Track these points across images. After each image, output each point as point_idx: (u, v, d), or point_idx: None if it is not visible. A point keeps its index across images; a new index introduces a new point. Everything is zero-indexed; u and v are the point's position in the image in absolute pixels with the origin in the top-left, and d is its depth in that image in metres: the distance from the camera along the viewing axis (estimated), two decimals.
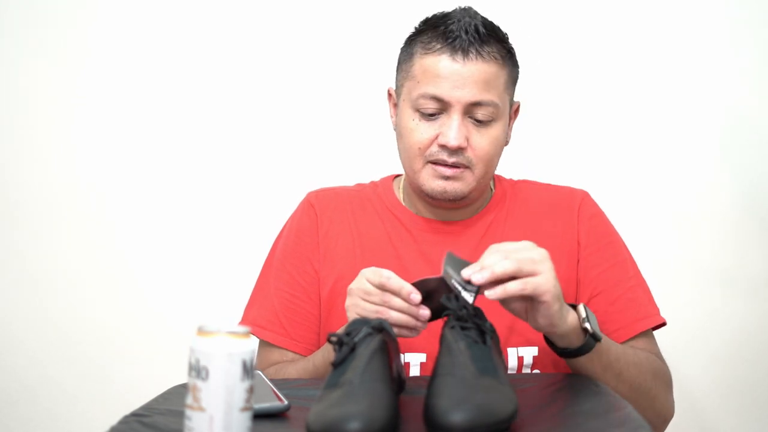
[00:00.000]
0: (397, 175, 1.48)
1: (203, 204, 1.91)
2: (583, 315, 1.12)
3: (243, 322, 1.37)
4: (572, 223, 1.36)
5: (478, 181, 1.30)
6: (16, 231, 1.90)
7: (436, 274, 1.05)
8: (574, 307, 1.14)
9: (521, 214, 1.38)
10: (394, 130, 1.38)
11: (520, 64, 1.34)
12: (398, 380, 0.98)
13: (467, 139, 1.27)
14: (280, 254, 1.40)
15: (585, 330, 1.11)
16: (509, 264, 1.02)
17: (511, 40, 1.32)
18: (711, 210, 1.89)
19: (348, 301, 1.11)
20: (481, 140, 1.28)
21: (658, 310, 1.34)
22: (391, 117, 1.40)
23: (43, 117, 1.90)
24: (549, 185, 1.44)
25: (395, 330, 1.04)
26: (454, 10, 1.31)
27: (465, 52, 1.25)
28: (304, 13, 1.90)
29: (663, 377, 1.29)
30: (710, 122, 1.89)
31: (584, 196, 1.41)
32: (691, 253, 1.89)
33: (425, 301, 1.05)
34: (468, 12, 1.30)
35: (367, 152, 1.86)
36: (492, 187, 1.42)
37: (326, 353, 1.21)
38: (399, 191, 1.43)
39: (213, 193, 1.91)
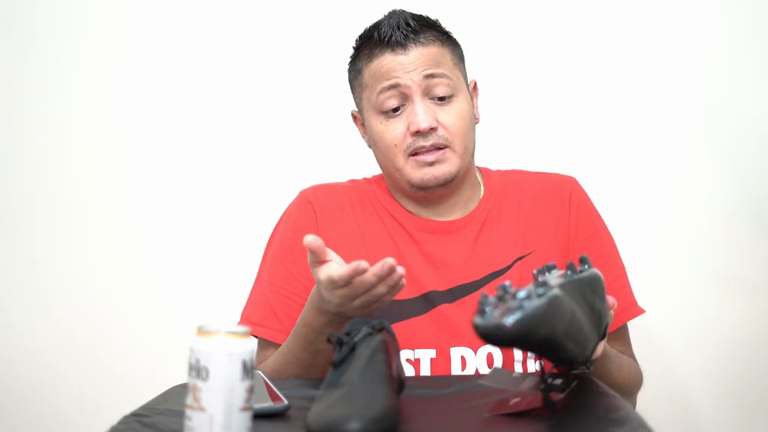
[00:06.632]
0: None
1: (202, 204, 1.90)
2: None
3: (242, 322, 1.36)
4: (564, 213, 1.39)
5: (461, 158, 1.33)
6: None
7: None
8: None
9: (514, 207, 1.39)
10: (370, 147, 1.41)
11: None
12: (398, 380, 0.98)
13: (436, 120, 1.31)
14: (276, 251, 1.39)
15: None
16: None
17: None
18: (708, 210, 1.88)
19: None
20: (449, 116, 1.32)
21: (635, 299, 1.39)
22: (363, 137, 1.43)
23: (43, 115, 1.90)
24: (538, 173, 1.46)
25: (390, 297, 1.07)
26: (383, 17, 1.36)
27: (403, 45, 1.31)
28: (294, 12, 1.89)
29: (638, 380, 1.36)
30: (708, 121, 1.88)
31: (573, 183, 1.43)
32: (688, 253, 1.88)
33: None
34: (394, 12, 1.36)
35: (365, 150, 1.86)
36: (480, 182, 1.43)
37: (307, 317, 1.18)
38: (393, 191, 1.42)
39: (213, 194, 1.90)
